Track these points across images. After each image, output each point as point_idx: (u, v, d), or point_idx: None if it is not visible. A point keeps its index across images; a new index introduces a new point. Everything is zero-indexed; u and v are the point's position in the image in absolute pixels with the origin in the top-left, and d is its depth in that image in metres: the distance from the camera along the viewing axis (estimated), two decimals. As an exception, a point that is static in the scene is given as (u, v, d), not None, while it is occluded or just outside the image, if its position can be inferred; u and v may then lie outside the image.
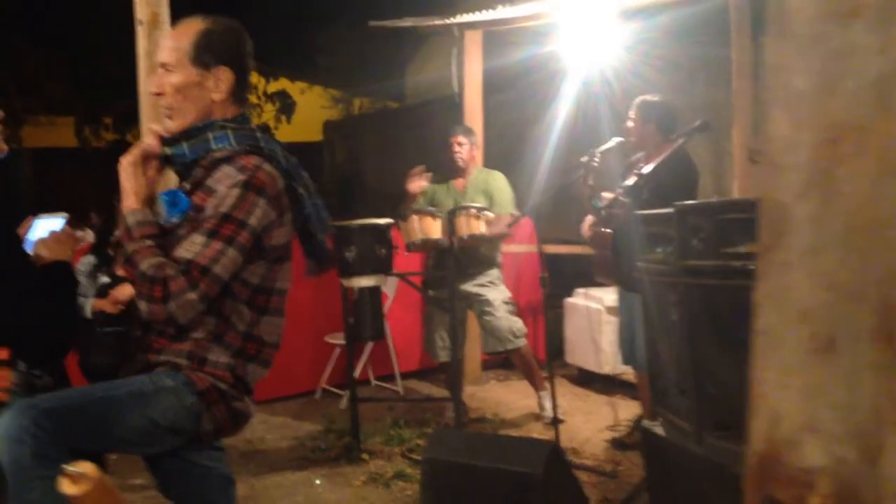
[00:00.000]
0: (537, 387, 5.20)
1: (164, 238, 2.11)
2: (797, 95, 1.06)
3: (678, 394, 3.02)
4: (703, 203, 3.11)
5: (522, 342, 5.08)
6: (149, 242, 2.07)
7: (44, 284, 2.05)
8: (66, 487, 1.79)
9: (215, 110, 2.19)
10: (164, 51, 2.20)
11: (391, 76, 13.56)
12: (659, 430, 3.19)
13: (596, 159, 4.22)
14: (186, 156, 2.18)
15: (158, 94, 2.19)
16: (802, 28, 1.04)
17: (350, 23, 13.67)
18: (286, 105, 15.63)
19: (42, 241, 2.24)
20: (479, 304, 5.09)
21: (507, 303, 5.10)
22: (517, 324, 5.07)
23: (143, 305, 2.02)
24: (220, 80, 2.17)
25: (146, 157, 2.18)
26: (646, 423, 3.87)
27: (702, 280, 2.82)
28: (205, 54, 2.16)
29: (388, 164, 12.28)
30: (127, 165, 2.15)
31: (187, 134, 2.18)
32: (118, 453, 2.09)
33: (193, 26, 2.19)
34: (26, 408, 1.87)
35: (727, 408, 2.79)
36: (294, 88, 16.07)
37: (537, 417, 5.20)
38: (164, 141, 2.21)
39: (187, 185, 2.18)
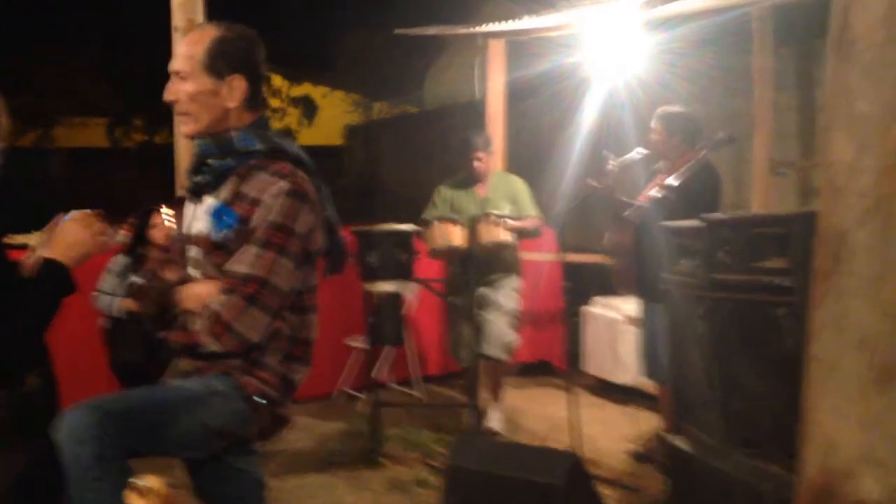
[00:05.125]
0: (496, 398, 5.23)
1: (218, 253, 2.13)
2: (861, 120, 1.02)
3: (704, 408, 2.98)
4: (735, 216, 3.06)
5: (507, 358, 5.09)
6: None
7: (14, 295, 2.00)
8: (135, 501, 1.78)
9: (230, 117, 2.19)
10: (177, 58, 2.19)
11: (411, 81, 13.56)
12: (682, 444, 3.14)
13: (612, 162, 4.20)
14: (228, 164, 2.17)
15: (173, 102, 2.20)
16: (868, 54, 1.00)
17: (372, 29, 13.68)
18: (309, 109, 15.73)
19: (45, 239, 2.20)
20: (487, 307, 5.07)
21: (511, 314, 5.07)
22: (510, 337, 5.05)
23: (214, 346, 2.07)
24: (234, 89, 2.17)
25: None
26: (668, 436, 3.82)
27: (730, 294, 2.78)
28: (218, 62, 2.15)
29: (406, 168, 12.26)
30: None
31: (218, 142, 2.18)
32: (165, 456, 2.08)
33: (207, 34, 2.18)
34: (91, 408, 1.89)
35: (755, 424, 2.75)
36: (317, 92, 16.15)
37: (554, 427, 5.16)
38: (201, 154, 2.21)
39: (212, 200, 2.18)
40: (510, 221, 4.82)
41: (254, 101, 2.22)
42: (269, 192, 2.09)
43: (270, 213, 2.07)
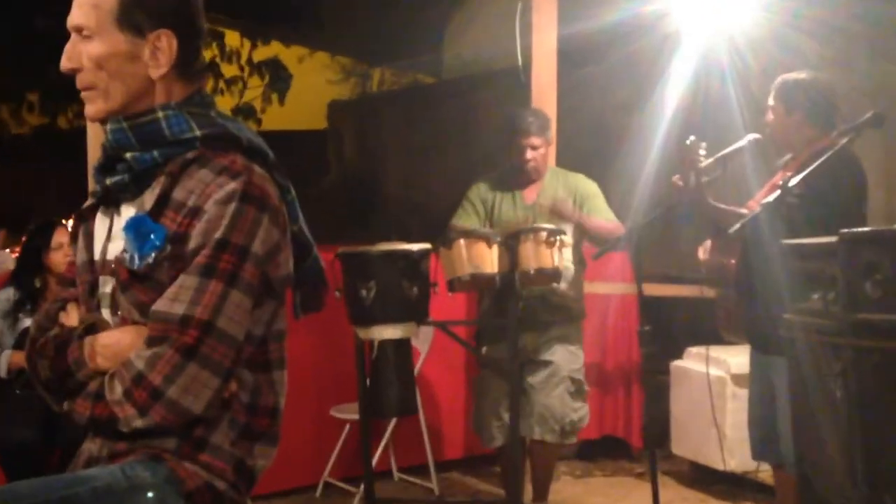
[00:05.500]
0: (542, 496, 5.24)
1: (141, 287, 2.11)
2: None
3: (844, 505, 2.97)
4: (884, 231, 3.06)
5: (571, 440, 5.14)
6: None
7: None
8: None
9: (155, 91, 2.20)
10: (78, 9, 2.17)
11: (424, 40, 13.59)
12: (814, 556, 3.14)
13: (702, 152, 4.19)
14: (153, 158, 2.16)
15: (73, 70, 2.19)
16: None
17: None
18: (279, 78, 15.77)
19: None
20: (533, 368, 5.08)
21: (573, 378, 5.08)
22: (576, 413, 5.07)
23: (139, 420, 2.04)
24: (160, 50, 2.16)
25: None
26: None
27: (881, 342, 2.77)
28: (135, 13, 2.14)
29: (417, 163, 12.29)
30: None
31: (137, 127, 2.17)
32: None
33: None
34: None
35: (916, 528, 2.73)
36: (290, 55, 16.21)
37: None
38: (115, 145, 2.20)
39: (133, 209, 2.17)
40: (567, 239, 4.80)
41: (189, 67, 2.22)
42: (212, 197, 2.08)
43: (215, 227, 2.06)
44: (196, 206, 2.09)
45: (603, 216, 5.09)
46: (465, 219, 5.12)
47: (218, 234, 2.05)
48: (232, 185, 2.08)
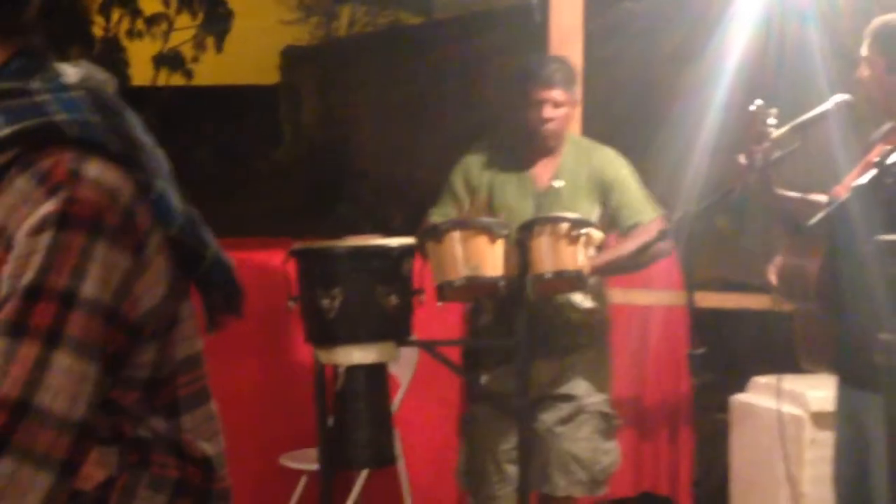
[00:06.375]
0: None
1: None
2: None
3: None
4: None
5: (602, 491, 5.13)
6: None
7: None
8: None
9: None
10: None
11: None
12: None
13: (771, 121, 4.17)
14: None
15: None
16: None
17: None
18: (216, 17, 15.69)
19: None
20: (549, 404, 5.09)
21: (604, 413, 5.08)
22: (608, 455, 5.08)
23: None
24: None
25: None
26: None
27: None
28: None
29: (401, 128, 12.30)
30: None
31: None
32: None
33: None
34: None
35: None
36: (230, -11, 16.19)
37: None
38: None
39: None
40: (596, 233, 4.74)
41: (8, 17, 2.06)
42: (27, 223, 1.92)
43: (23, 268, 1.89)
44: (9, 236, 1.94)
45: (634, 213, 4.97)
46: (443, 210, 5.11)
47: (27, 280, 1.89)
48: (46, 208, 1.91)
